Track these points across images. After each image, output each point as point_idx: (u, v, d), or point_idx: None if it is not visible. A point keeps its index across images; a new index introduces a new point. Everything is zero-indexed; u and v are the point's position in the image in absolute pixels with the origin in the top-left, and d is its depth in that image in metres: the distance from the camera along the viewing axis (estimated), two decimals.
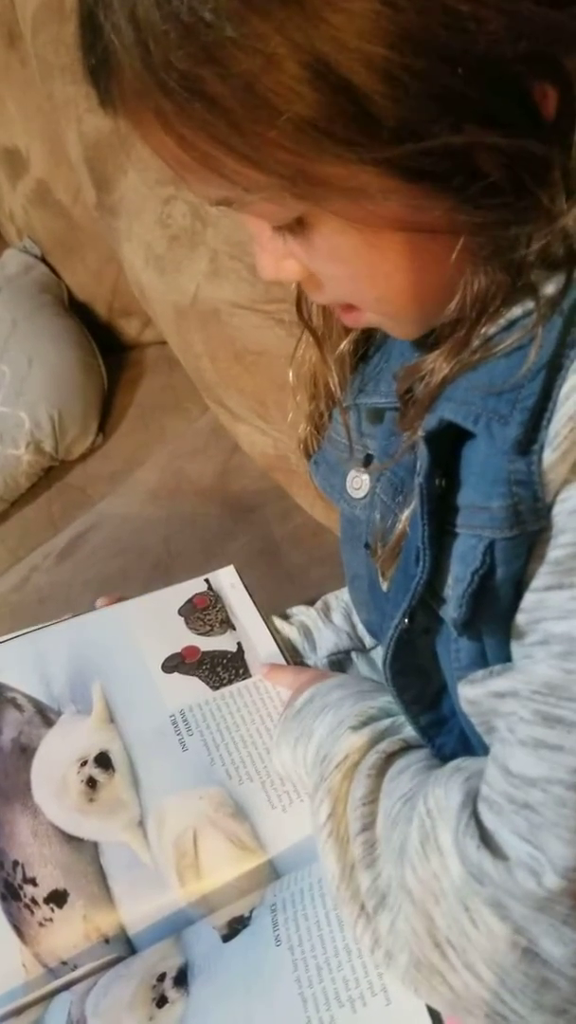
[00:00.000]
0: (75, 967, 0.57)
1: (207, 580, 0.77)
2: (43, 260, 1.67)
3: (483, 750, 0.46)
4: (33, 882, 0.60)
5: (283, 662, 0.70)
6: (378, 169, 0.37)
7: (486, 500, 0.40)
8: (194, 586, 0.77)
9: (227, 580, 0.77)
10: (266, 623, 0.73)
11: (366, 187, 0.38)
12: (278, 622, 0.77)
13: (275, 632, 0.73)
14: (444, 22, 0.34)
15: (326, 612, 0.76)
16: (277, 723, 0.63)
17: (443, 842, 0.41)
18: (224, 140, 0.37)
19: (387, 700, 0.55)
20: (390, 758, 0.51)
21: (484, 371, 0.41)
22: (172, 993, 0.53)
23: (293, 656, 0.73)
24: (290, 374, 0.62)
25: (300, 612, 0.77)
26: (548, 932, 0.37)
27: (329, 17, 0.34)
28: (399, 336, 0.49)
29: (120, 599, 0.77)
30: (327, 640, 0.74)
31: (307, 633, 0.75)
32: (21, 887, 0.59)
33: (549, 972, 0.38)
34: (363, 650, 0.74)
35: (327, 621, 0.75)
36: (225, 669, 0.70)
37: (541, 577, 0.40)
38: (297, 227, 0.42)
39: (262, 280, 0.96)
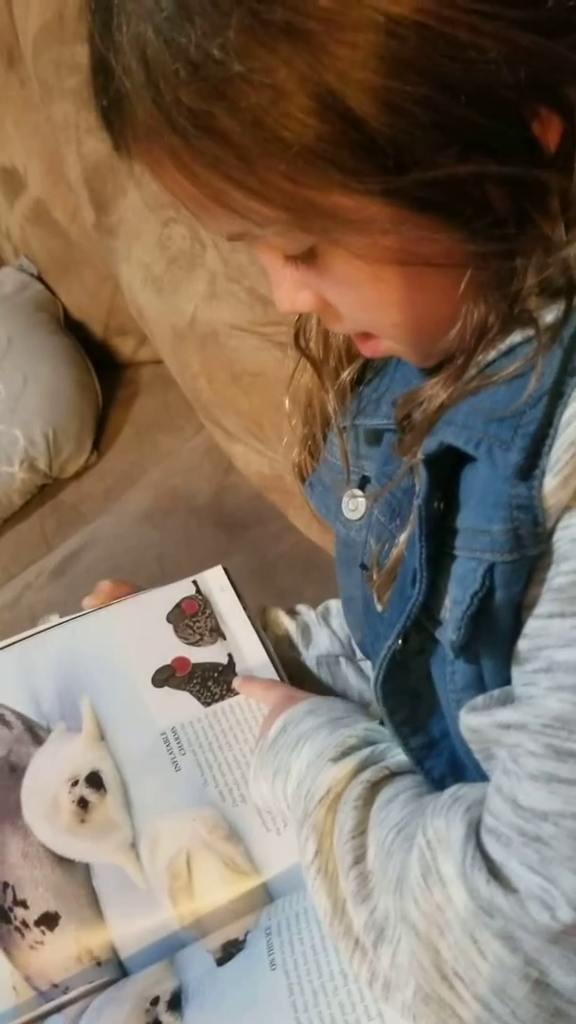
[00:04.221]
0: (66, 990, 0.56)
1: (195, 582, 0.76)
2: (39, 279, 1.67)
3: (475, 773, 0.46)
4: (24, 904, 0.59)
5: (273, 672, 0.69)
6: (386, 200, 0.38)
7: (487, 523, 0.40)
8: (182, 588, 0.75)
9: (216, 583, 0.76)
10: (255, 630, 0.72)
11: (374, 218, 0.38)
12: (281, 615, 0.76)
13: (265, 641, 0.72)
14: (446, 52, 0.34)
15: (326, 616, 0.76)
16: (253, 755, 0.62)
17: (446, 873, 0.40)
18: (234, 176, 0.38)
19: (365, 727, 0.55)
20: (375, 787, 0.50)
21: (485, 396, 0.42)
22: (166, 1017, 0.52)
23: (289, 649, 0.73)
24: (286, 401, 0.63)
25: (303, 610, 0.77)
26: (560, 963, 0.37)
27: (335, 50, 0.35)
28: (416, 363, 0.50)
29: (123, 588, 0.76)
30: (321, 642, 0.74)
31: (305, 630, 0.75)
32: (11, 909, 0.59)
33: (561, 1002, 0.38)
34: (353, 658, 0.74)
35: (324, 624, 0.75)
36: (216, 683, 0.69)
37: (544, 604, 0.40)
38: (308, 258, 0.43)
39: (261, 303, 0.97)
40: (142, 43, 0.36)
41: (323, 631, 0.75)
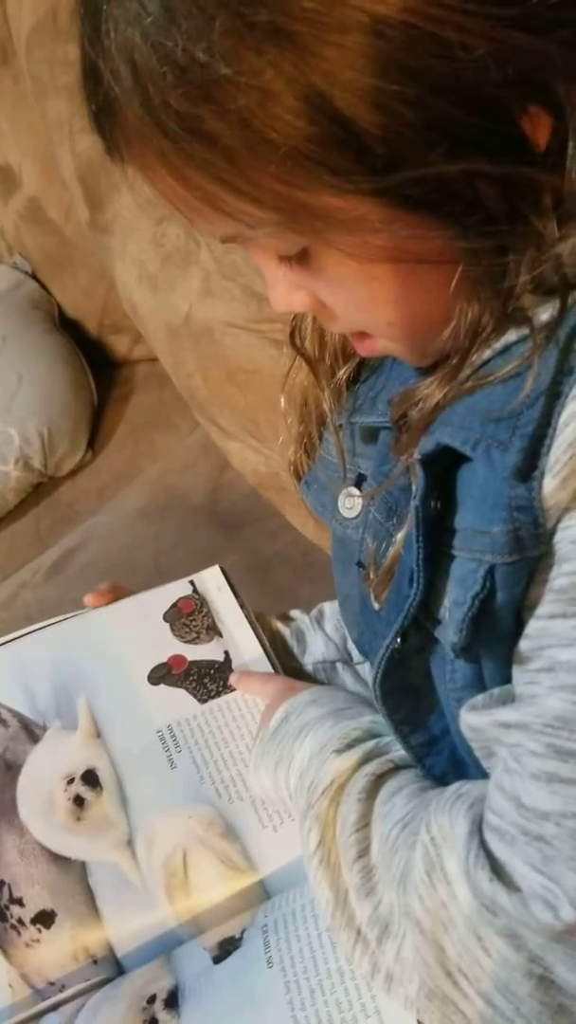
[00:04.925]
0: (63, 988, 0.56)
1: (192, 582, 0.76)
2: (33, 276, 1.67)
3: (476, 771, 0.46)
4: (20, 902, 0.59)
5: (270, 669, 0.70)
6: (376, 199, 0.38)
7: (487, 525, 0.40)
8: (179, 588, 0.75)
9: (213, 582, 0.76)
10: (252, 628, 0.73)
11: (365, 217, 0.38)
12: (275, 622, 0.76)
13: (262, 638, 0.72)
14: (433, 51, 0.34)
15: (319, 620, 0.76)
16: (253, 744, 0.62)
17: (450, 871, 0.41)
18: (224, 178, 0.38)
19: (369, 720, 0.55)
20: (379, 780, 0.50)
21: (482, 397, 0.42)
22: (163, 1015, 0.52)
23: (285, 656, 0.73)
24: (282, 400, 0.63)
25: (297, 615, 0.77)
26: (564, 960, 0.38)
27: (321, 51, 0.35)
28: (412, 362, 0.50)
29: (120, 592, 0.76)
30: (316, 647, 0.74)
31: (300, 636, 0.75)
32: (7, 907, 0.59)
33: (564, 998, 0.38)
34: (349, 662, 0.74)
35: (318, 628, 0.75)
36: (212, 680, 0.69)
37: (545, 605, 0.40)
38: (302, 258, 0.43)
39: (256, 300, 0.98)
40: (129, 47, 0.37)
41: (317, 636, 0.75)
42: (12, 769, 0.65)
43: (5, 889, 0.60)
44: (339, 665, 0.73)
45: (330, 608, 0.76)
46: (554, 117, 0.37)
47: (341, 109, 0.35)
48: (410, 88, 0.35)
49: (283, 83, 0.35)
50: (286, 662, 0.73)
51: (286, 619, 0.77)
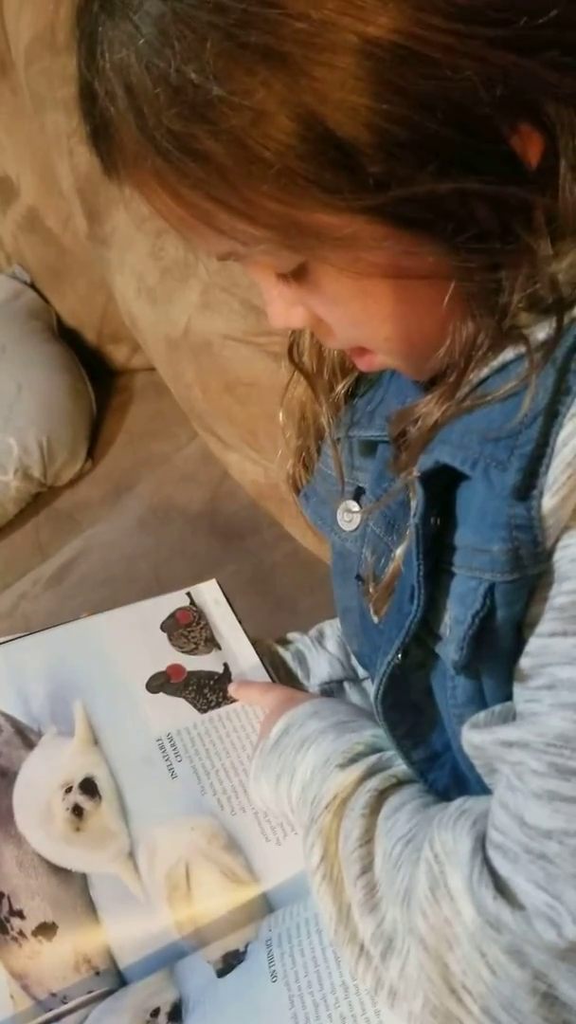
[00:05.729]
0: (65, 999, 0.56)
1: (189, 594, 0.76)
2: (32, 286, 1.68)
3: (478, 786, 0.47)
4: (20, 915, 0.59)
5: (268, 681, 0.70)
6: (368, 217, 0.38)
7: (486, 543, 0.41)
8: (176, 600, 0.76)
9: (210, 596, 0.76)
10: (250, 642, 0.73)
11: (358, 235, 0.39)
12: (274, 645, 0.76)
13: (261, 653, 0.72)
14: (422, 71, 0.35)
15: (320, 639, 0.76)
16: (253, 755, 0.62)
17: (454, 887, 0.41)
18: (219, 196, 0.38)
19: (372, 734, 0.55)
20: (382, 795, 0.50)
21: (480, 416, 0.42)
22: None
23: (289, 680, 0.73)
24: (280, 414, 0.63)
25: (295, 638, 0.77)
26: (567, 977, 0.38)
27: (313, 71, 0.35)
28: (412, 377, 0.50)
29: None
30: (320, 668, 0.74)
31: (301, 659, 0.75)
32: (8, 920, 0.59)
33: (568, 1015, 0.38)
34: (356, 680, 0.74)
35: (320, 648, 0.75)
36: (212, 691, 0.69)
37: (546, 623, 0.40)
38: (299, 275, 0.43)
39: (254, 313, 0.98)
40: (124, 68, 0.37)
41: (321, 656, 0.75)
42: (7, 776, 0.64)
43: (5, 901, 0.59)
44: (346, 684, 0.73)
45: (330, 627, 0.76)
46: (545, 136, 0.38)
47: (333, 128, 0.36)
48: (400, 108, 0.35)
49: (275, 103, 0.35)
50: (290, 686, 0.72)
51: (284, 642, 0.77)
